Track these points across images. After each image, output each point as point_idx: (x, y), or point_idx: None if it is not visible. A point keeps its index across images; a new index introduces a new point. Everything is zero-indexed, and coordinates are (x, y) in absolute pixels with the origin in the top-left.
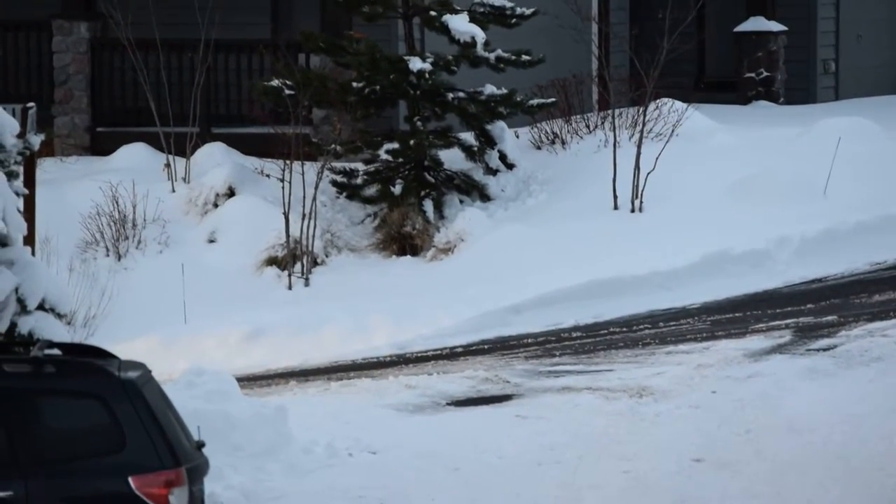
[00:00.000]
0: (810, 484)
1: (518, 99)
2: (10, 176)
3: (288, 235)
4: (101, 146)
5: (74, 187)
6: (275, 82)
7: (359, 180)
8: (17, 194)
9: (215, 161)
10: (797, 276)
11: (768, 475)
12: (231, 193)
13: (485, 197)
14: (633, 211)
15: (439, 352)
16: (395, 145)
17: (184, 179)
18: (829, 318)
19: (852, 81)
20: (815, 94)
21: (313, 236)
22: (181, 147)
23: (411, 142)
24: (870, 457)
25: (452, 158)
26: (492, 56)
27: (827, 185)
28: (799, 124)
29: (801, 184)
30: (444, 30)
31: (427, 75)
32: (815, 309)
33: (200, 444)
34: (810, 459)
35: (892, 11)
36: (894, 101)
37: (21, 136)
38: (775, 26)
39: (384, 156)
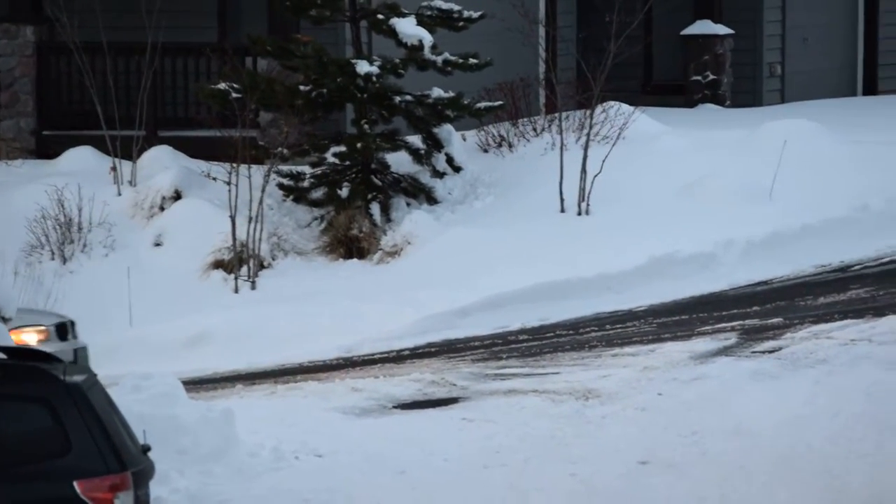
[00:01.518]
0: (756, 486)
1: (465, 102)
2: None
3: (234, 238)
4: (47, 149)
5: (20, 191)
6: (222, 85)
7: (306, 183)
8: None
9: (162, 164)
10: (743, 278)
11: (714, 477)
12: (177, 196)
13: (432, 200)
14: (579, 214)
15: (386, 355)
16: (342, 148)
17: (130, 183)
18: (775, 320)
19: (798, 84)
20: (761, 97)
21: (260, 239)
22: (128, 150)
23: (358, 145)
24: (815, 459)
25: (399, 161)
26: (439, 59)
27: (773, 188)
28: (745, 127)
29: (748, 186)
30: (392, 33)
31: (374, 78)
32: (761, 311)
33: (146, 448)
34: (756, 461)
35: (838, 16)
36: (840, 103)
37: None
38: (722, 30)
39: (331, 159)
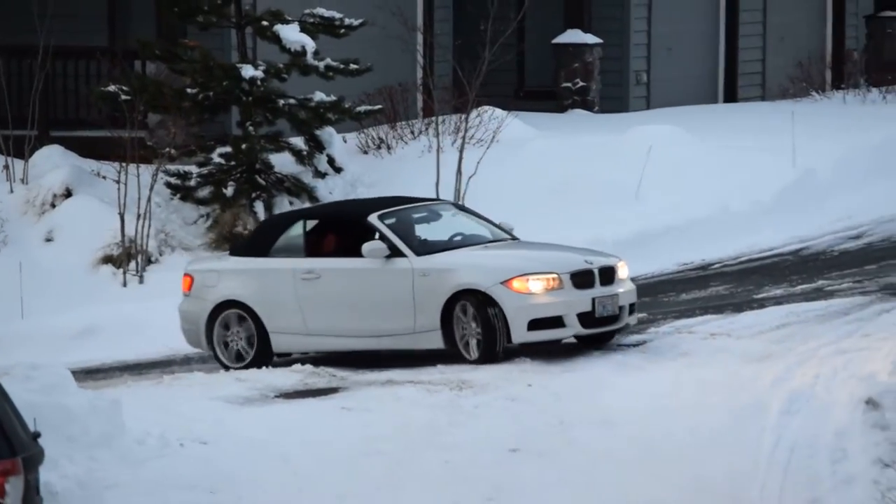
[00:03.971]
0: (622, 474)
1: (346, 106)
2: None
3: (123, 235)
4: None
5: None
6: (112, 88)
7: (192, 182)
8: None
9: (53, 163)
10: None
11: (582, 465)
12: (68, 194)
13: (314, 199)
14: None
15: None
16: (228, 149)
17: (22, 181)
18: (640, 315)
19: (663, 91)
20: (627, 104)
21: (148, 236)
22: (20, 149)
23: (243, 146)
24: (677, 448)
25: (283, 162)
26: (321, 65)
27: (639, 190)
28: (613, 132)
29: (615, 188)
30: (276, 39)
31: (259, 82)
32: None
33: (36, 435)
34: (622, 450)
35: (701, 27)
36: (702, 110)
37: None
38: (591, 39)
39: (217, 159)
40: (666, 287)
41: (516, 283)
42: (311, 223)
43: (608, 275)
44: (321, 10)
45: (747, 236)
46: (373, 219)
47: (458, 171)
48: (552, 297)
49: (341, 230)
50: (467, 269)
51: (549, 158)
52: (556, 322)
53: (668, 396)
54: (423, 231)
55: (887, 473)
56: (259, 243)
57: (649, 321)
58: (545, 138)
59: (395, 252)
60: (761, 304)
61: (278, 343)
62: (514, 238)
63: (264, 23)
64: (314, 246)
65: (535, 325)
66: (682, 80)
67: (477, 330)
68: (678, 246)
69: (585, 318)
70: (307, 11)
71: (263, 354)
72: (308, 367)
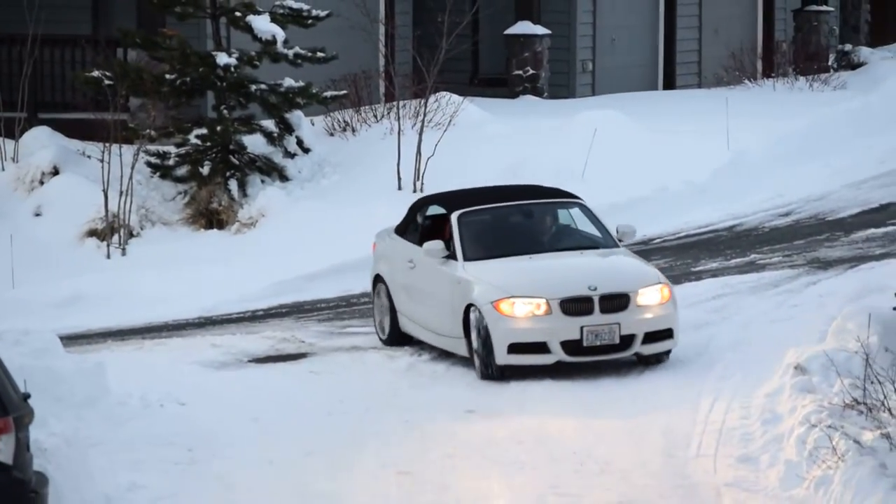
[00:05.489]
0: (569, 431)
1: (314, 91)
2: None
3: (107, 210)
4: None
5: None
6: (96, 73)
7: (171, 162)
8: None
9: (41, 143)
10: None
11: (532, 425)
12: (56, 172)
13: (283, 178)
14: (414, 191)
15: (242, 315)
16: (204, 131)
17: (13, 159)
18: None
19: (607, 79)
20: (574, 90)
21: (130, 211)
22: (10, 130)
23: (218, 128)
24: (619, 408)
25: (255, 143)
26: (290, 53)
27: (584, 171)
28: (560, 116)
29: (562, 168)
30: (248, 29)
31: (232, 69)
32: None
33: (26, 396)
34: (571, 412)
35: (642, 20)
36: (643, 96)
37: None
38: (540, 30)
39: (194, 140)
40: None
41: (503, 306)
42: (434, 209)
43: (618, 302)
44: (290, 2)
45: (685, 213)
46: (454, 216)
47: (418, 153)
48: (535, 322)
49: (442, 222)
50: (479, 284)
51: (501, 141)
52: (540, 347)
53: (612, 361)
54: (517, 232)
55: (813, 433)
56: (403, 223)
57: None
58: (498, 122)
59: (451, 254)
60: (698, 276)
61: (403, 324)
62: (616, 246)
63: (237, 13)
64: (426, 233)
65: (515, 348)
66: (625, 68)
67: (478, 346)
68: (620, 222)
69: (572, 346)
70: (277, 3)
71: (395, 333)
72: (278, 333)
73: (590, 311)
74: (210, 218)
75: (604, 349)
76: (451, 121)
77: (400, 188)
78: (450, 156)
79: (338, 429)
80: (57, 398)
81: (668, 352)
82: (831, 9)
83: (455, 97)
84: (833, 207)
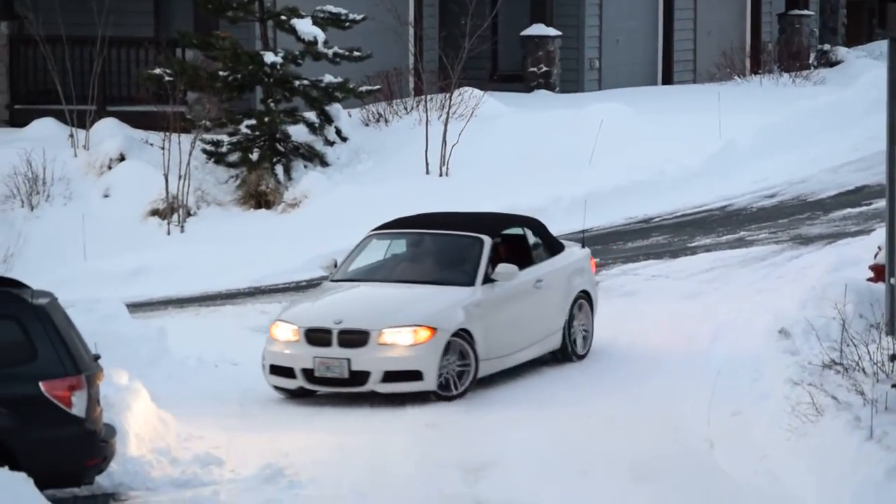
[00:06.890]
0: (575, 392)
1: (350, 86)
2: None
3: (167, 192)
4: (18, 120)
5: None
6: (157, 71)
7: (224, 149)
8: None
9: (109, 133)
10: (568, 227)
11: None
12: (122, 158)
13: (324, 163)
14: (441, 175)
15: (287, 285)
16: (253, 121)
17: (84, 147)
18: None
19: (612, 75)
20: (583, 85)
21: (187, 193)
22: (82, 121)
23: (266, 119)
24: (622, 373)
25: (298, 132)
26: (330, 52)
27: (592, 157)
28: (570, 108)
29: (572, 155)
30: (293, 31)
31: (278, 67)
32: None
33: (96, 357)
34: (574, 375)
35: (643, 22)
36: (645, 90)
37: None
38: (553, 31)
39: (244, 130)
40: (614, 237)
41: (273, 328)
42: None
43: (356, 338)
44: (330, 7)
45: (682, 195)
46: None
47: (444, 141)
48: (287, 347)
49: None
50: (299, 303)
51: (518, 130)
52: (289, 372)
53: (614, 329)
54: (401, 259)
55: (796, 391)
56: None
57: (601, 265)
58: (515, 114)
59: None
60: (693, 251)
61: None
62: (471, 285)
63: (283, 17)
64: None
65: (275, 370)
66: (628, 66)
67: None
68: (624, 203)
69: (309, 375)
70: (318, 8)
71: None
72: None
73: (328, 343)
74: (259, 199)
75: (335, 381)
76: (472, 113)
77: (427, 172)
78: (472, 144)
79: (379, 398)
80: (123, 359)
81: (419, 392)
82: (812, 13)
83: (476, 91)
84: (813, 189)
